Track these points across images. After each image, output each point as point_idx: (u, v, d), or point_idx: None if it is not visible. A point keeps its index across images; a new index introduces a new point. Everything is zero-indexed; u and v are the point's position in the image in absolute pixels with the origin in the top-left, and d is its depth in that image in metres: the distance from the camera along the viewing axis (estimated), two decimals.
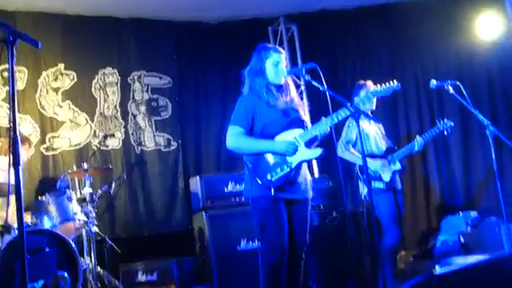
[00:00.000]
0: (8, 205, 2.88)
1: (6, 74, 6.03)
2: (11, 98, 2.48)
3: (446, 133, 5.10)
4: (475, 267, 3.23)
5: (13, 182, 2.90)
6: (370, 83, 5.06)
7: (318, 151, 3.72)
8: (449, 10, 6.68)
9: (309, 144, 3.74)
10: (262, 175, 3.65)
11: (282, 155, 3.65)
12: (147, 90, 6.80)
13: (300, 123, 3.79)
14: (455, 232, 5.99)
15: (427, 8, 6.79)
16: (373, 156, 5.04)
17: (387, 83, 3.82)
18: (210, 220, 5.42)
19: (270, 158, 3.68)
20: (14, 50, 2.46)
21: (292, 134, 3.72)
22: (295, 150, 3.64)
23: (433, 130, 5.11)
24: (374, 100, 4.97)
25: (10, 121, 2.48)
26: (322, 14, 7.15)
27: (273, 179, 3.64)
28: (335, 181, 6.29)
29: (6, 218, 3.18)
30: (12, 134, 2.43)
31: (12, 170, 2.46)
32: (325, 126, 3.70)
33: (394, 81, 3.79)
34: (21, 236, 2.45)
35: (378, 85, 3.87)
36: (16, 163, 2.41)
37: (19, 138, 2.45)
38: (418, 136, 5.10)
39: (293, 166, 3.66)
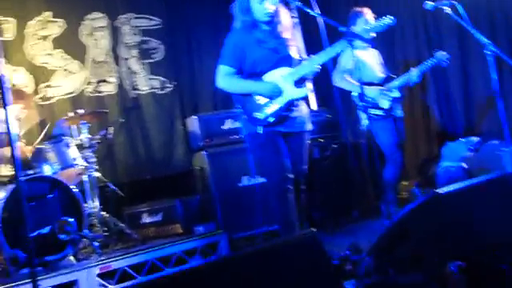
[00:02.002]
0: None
1: None
2: None
3: (443, 64, 5.02)
4: (480, 184, 3.22)
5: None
6: (367, 11, 4.95)
7: (303, 91, 3.73)
8: None
9: (299, 81, 3.70)
10: (251, 114, 3.72)
11: (267, 97, 3.65)
12: (137, 33, 6.66)
13: (289, 61, 3.76)
14: (457, 158, 5.98)
15: None
16: (370, 84, 4.98)
17: (382, 18, 3.76)
18: (210, 158, 5.43)
19: (258, 97, 3.71)
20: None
21: (280, 72, 3.71)
22: (280, 92, 3.65)
23: (429, 61, 5.03)
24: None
25: None
26: None
27: (260, 117, 3.69)
28: (334, 112, 6.27)
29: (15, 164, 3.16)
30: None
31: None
32: (314, 63, 3.66)
33: (389, 16, 3.72)
34: (17, 185, 2.44)
35: (373, 20, 3.78)
36: (4, 104, 2.37)
37: (9, 86, 2.39)
38: (413, 68, 5.02)
39: (280, 105, 3.69)
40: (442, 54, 5.02)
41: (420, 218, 2.86)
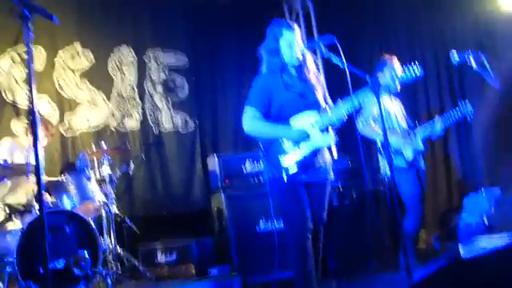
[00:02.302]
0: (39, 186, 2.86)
1: (25, 56, 6.02)
2: (29, 75, 2.43)
3: (468, 119, 4.99)
4: (504, 250, 3.12)
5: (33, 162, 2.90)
6: (394, 59, 4.95)
7: (331, 139, 3.71)
8: None
9: (326, 129, 3.70)
10: (275, 159, 3.67)
11: (295, 142, 3.64)
12: (164, 70, 6.76)
13: (316, 106, 3.74)
14: (478, 212, 5.88)
15: None
16: (394, 133, 4.95)
17: (410, 68, 3.75)
18: (229, 200, 5.38)
19: (285, 142, 3.68)
20: (30, 24, 2.42)
21: (308, 117, 3.69)
22: (307, 138, 3.64)
23: (454, 113, 5.00)
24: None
25: (28, 100, 2.45)
26: None
27: (285, 163, 3.65)
28: (354, 159, 6.22)
29: (37, 195, 3.18)
30: (31, 114, 2.40)
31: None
32: (341, 111, 3.65)
33: (417, 66, 3.72)
34: (41, 216, 2.44)
35: (400, 68, 3.77)
36: (35, 142, 2.39)
37: (37, 116, 2.41)
38: (437, 116, 4.98)
39: (306, 152, 3.66)
40: (467, 107, 4.99)
41: (441, 283, 2.76)
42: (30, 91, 2.45)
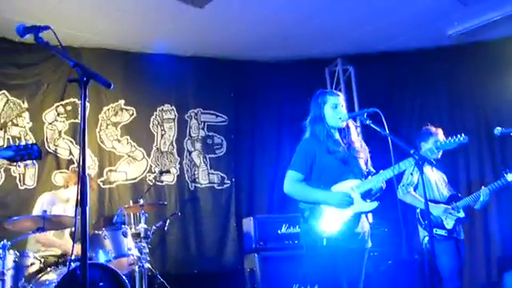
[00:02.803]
0: (75, 237, 2.88)
1: (69, 108, 6.23)
2: (81, 137, 2.47)
3: None
4: None
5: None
6: (439, 131, 4.95)
7: (373, 204, 3.67)
8: (510, 51, 6.50)
9: (366, 195, 3.67)
10: (315, 224, 3.63)
11: (336, 207, 3.60)
12: (203, 128, 6.89)
13: (358, 172, 3.73)
14: None
15: (489, 50, 6.65)
16: (435, 202, 4.87)
17: (455, 137, 3.74)
18: (262, 262, 5.35)
19: (326, 208, 3.63)
20: (87, 90, 2.48)
21: (349, 184, 3.66)
22: (349, 203, 3.59)
23: (499, 181, 4.89)
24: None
25: (79, 160, 2.50)
26: (379, 56, 7.11)
27: (325, 229, 3.60)
28: (390, 226, 6.13)
29: (72, 250, 3.20)
30: (81, 173, 2.42)
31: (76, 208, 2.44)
32: (383, 178, 3.63)
33: (463, 135, 3.70)
34: (84, 271, 2.45)
35: (445, 138, 3.77)
36: (83, 204, 2.40)
37: (88, 179, 2.44)
38: (483, 187, 4.89)
39: (347, 219, 3.62)
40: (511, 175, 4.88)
41: None
42: (83, 150, 2.48)
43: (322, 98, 3.83)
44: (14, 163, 3.04)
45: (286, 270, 5.33)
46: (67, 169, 6.02)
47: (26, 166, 3.12)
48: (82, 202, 2.43)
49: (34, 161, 3.14)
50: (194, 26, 6.02)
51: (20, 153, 2.94)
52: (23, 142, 3.07)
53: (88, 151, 6.19)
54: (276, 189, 6.69)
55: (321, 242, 3.58)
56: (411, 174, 4.80)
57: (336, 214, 3.62)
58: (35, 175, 5.89)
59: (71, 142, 6.18)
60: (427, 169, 4.89)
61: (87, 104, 6.11)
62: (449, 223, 4.82)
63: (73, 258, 4.44)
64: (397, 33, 6.54)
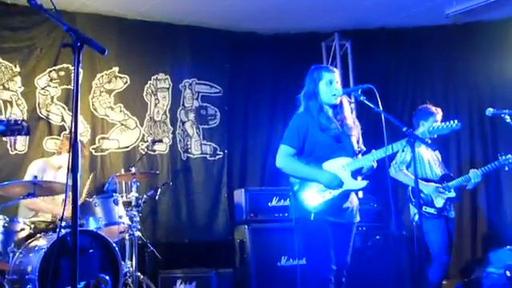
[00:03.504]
0: (65, 204, 2.91)
1: (62, 74, 6.17)
2: (74, 102, 2.46)
3: (507, 168, 4.93)
4: None
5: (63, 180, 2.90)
6: (439, 111, 4.96)
7: (363, 183, 3.72)
8: (508, 33, 6.48)
9: (356, 173, 3.69)
10: (304, 198, 3.69)
11: (327, 187, 3.65)
12: (197, 98, 6.85)
13: (350, 150, 3.76)
14: (502, 265, 5.79)
15: (486, 31, 6.63)
16: (427, 180, 4.91)
17: (447, 122, 3.75)
18: (253, 233, 5.40)
19: (315, 183, 3.68)
20: (81, 55, 2.46)
21: (341, 161, 3.70)
22: (339, 184, 3.64)
23: (492, 164, 4.93)
24: None
25: (71, 126, 2.47)
26: (377, 32, 7.07)
27: (314, 203, 3.66)
28: (380, 202, 6.18)
29: (62, 217, 3.20)
30: (72, 140, 2.41)
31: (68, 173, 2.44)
32: (374, 157, 3.67)
33: (455, 120, 3.71)
34: (74, 238, 2.46)
35: (438, 122, 3.77)
36: (75, 170, 2.40)
37: (80, 148, 2.43)
38: (475, 169, 4.93)
39: (335, 194, 3.66)
40: (505, 158, 4.92)
41: None
42: (75, 117, 2.46)
43: (318, 74, 3.82)
44: (5, 137, 3.07)
45: (276, 243, 5.39)
46: (59, 135, 6.00)
47: (14, 140, 3.13)
48: (73, 169, 2.44)
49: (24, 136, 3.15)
50: None
51: (11, 127, 2.94)
52: (13, 115, 3.08)
53: (80, 118, 6.15)
54: (268, 161, 6.70)
55: (309, 216, 3.64)
56: (403, 151, 4.83)
57: (325, 190, 3.66)
58: (26, 141, 5.85)
59: (63, 108, 6.13)
60: (421, 147, 4.92)
61: (81, 70, 6.10)
62: (439, 202, 4.87)
63: (63, 224, 4.47)
64: (395, 9, 6.49)
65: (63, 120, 6.10)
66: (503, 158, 4.89)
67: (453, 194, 4.90)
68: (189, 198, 6.56)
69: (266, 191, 5.76)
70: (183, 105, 6.77)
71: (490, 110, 4.69)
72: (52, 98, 6.11)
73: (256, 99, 7.13)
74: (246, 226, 5.45)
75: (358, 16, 6.71)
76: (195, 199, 6.58)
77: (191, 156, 6.70)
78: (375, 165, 3.72)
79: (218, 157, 6.81)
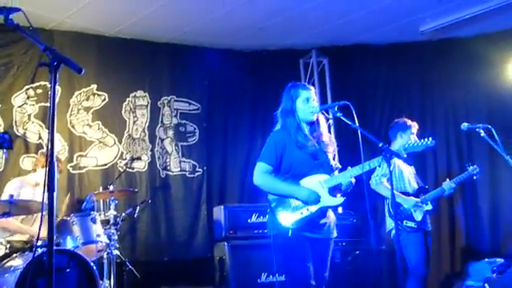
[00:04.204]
0: (41, 223, 2.87)
1: (39, 91, 6.13)
2: (50, 122, 2.44)
3: (474, 178, 5.05)
4: None
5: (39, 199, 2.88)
6: (415, 125, 5.05)
7: (339, 200, 3.73)
8: (482, 49, 6.63)
9: (334, 190, 3.73)
10: (281, 215, 3.69)
11: (303, 202, 3.67)
12: (176, 115, 6.86)
13: (327, 167, 3.79)
14: (480, 278, 5.85)
15: (460, 47, 6.78)
16: (406, 194, 4.97)
17: (422, 140, 3.82)
18: (232, 250, 5.39)
19: (293, 200, 3.70)
20: (58, 74, 2.45)
21: (318, 178, 3.72)
22: (316, 200, 3.65)
23: (462, 174, 5.05)
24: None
25: (47, 144, 2.46)
26: (354, 48, 7.18)
27: (291, 220, 3.67)
28: (359, 217, 6.23)
29: (38, 236, 3.17)
30: (49, 157, 2.39)
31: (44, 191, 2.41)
32: (351, 174, 3.69)
33: (430, 138, 3.78)
34: (50, 257, 2.43)
35: (415, 135, 3.81)
36: (51, 188, 2.38)
37: (56, 164, 2.42)
38: (448, 179, 5.03)
39: (313, 211, 3.67)
40: (473, 168, 5.06)
41: None
42: (52, 135, 2.45)
43: (295, 92, 3.86)
44: None
45: (256, 259, 5.38)
46: (36, 153, 5.92)
47: None
48: (49, 187, 2.42)
49: (5, 150, 3.11)
50: (169, 12, 5.97)
51: None
52: None
53: (58, 136, 6.11)
54: (247, 178, 6.71)
55: (286, 232, 3.65)
56: (379, 166, 4.88)
57: (303, 206, 3.68)
58: (3, 158, 5.79)
59: (41, 125, 6.08)
60: (399, 161, 4.98)
61: (58, 88, 6.10)
62: (418, 215, 4.92)
63: (40, 243, 4.41)
64: (371, 26, 6.60)
65: (40, 138, 6.05)
66: (471, 168, 5.03)
67: (430, 207, 4.97)
68: (168, 216, 6.52)
69: (245, 208, 5.77)
70: (162, 122, 6.77)
71: (464, 125, 4.78)
72: (29, 115, 6.06)
73: (235, 116, 7.16)
74: (226, 243, 5.44)
75: (335, 33, 6.79)
76: (174, 216, 6.55)
77: (170, 173, 6.69)
78: (353, 181, 3.76)
79: (197, 174, 6.80)
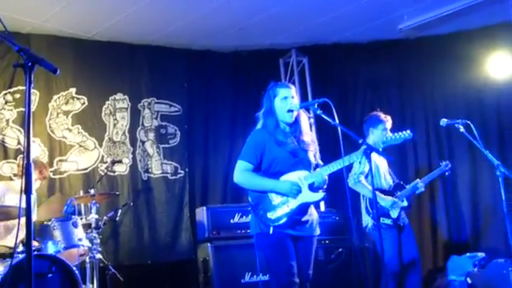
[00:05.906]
0: (18, 229, 2.83)
1: (17, 96, 6.06)
2: (26, 123, 2.42)
3: (446, 174, 5.13)
4: None
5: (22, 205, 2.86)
6: (389, 119, 5.07)
7: (319, 195, 3.75)
8: (460, 47, 6.71)
9: (313, 186, 3.74)
10: (263, 213, 3.70)
11: (284, 195, 3.67)
12: (156, 117, 6.82)
13: (307, 165, 3.80)
14: (462, 272, 5.91)
15: (438, 44, 6.85)
16: (383, 191, 4.99)
17: (400, 133, 3.85)
18: (215, 251, 5.38)
19: (273, 197, 3.71)
20: (32, 75, 2.43)
21: (297, 174, 3.73)
22: (298, 191, 3.66)
23: (435, 171, 5.14)
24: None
25: (24, 147, 2.43)
26: (333, 47, 7.22)
27: (272, 217, 3.67)
28: (341, 215, 6.25)
29: (16, 241, 3.14)
30: (25, 160, 2.37)
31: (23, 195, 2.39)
32: (331, 169, 3.72)
33: (408, 130, 3.82)
34: (28, 262, 2.39)
35: (390, 133, 3.85)
36: (28, 190, 2.36)
37: (32, 165, 2.39)
38: (418, 179, 5.10)
39: (294, 207, 3.68)
40: (445, 164, 5.13)
41: None
42: (28, 138, 2.43)
43: (273, 91, 3.89)
44: None
45: (239, 259, 5.38)
46: (15, 159, 5.87)
47: None
48: (26, 191, 2.39)
49: None
50: (147, 14, 5.95)
51: None
52: None
53: (37, 141, 6.05)
54: (230, 179, 6.68)
55: (268, 230, 3.66)
56: (359, 163, 4.91)
57: (283, 203, 3.68)
58: None
59: (19, 131, 6.01)
60: (376, 157, 5.00)
61: (36, 92, 6.06)
62: (394, 213, 4.97)
63: (20, 249, 4.36)
64: (350, 25, 6.64)
65: (19, 143, 5.97)
66: (443, 164, 5.10)
67: (405, 204, 5.03)
68: (150, 218, 6.48)
69: (227, 208, 5.77)
70: (142, 124, 6.73)
71: (444, 121, 4.83)
72: (7, 121, 5.99)
73: (216, 117, 7.14)
74: (209, 244, 5.43)
75: (314, 32, 6.82)
76: (157, 219, 6.51)
77: (152, 176, 6.65)
78: (326, 178, 3.77)
79: (179, 176, 6.77)
